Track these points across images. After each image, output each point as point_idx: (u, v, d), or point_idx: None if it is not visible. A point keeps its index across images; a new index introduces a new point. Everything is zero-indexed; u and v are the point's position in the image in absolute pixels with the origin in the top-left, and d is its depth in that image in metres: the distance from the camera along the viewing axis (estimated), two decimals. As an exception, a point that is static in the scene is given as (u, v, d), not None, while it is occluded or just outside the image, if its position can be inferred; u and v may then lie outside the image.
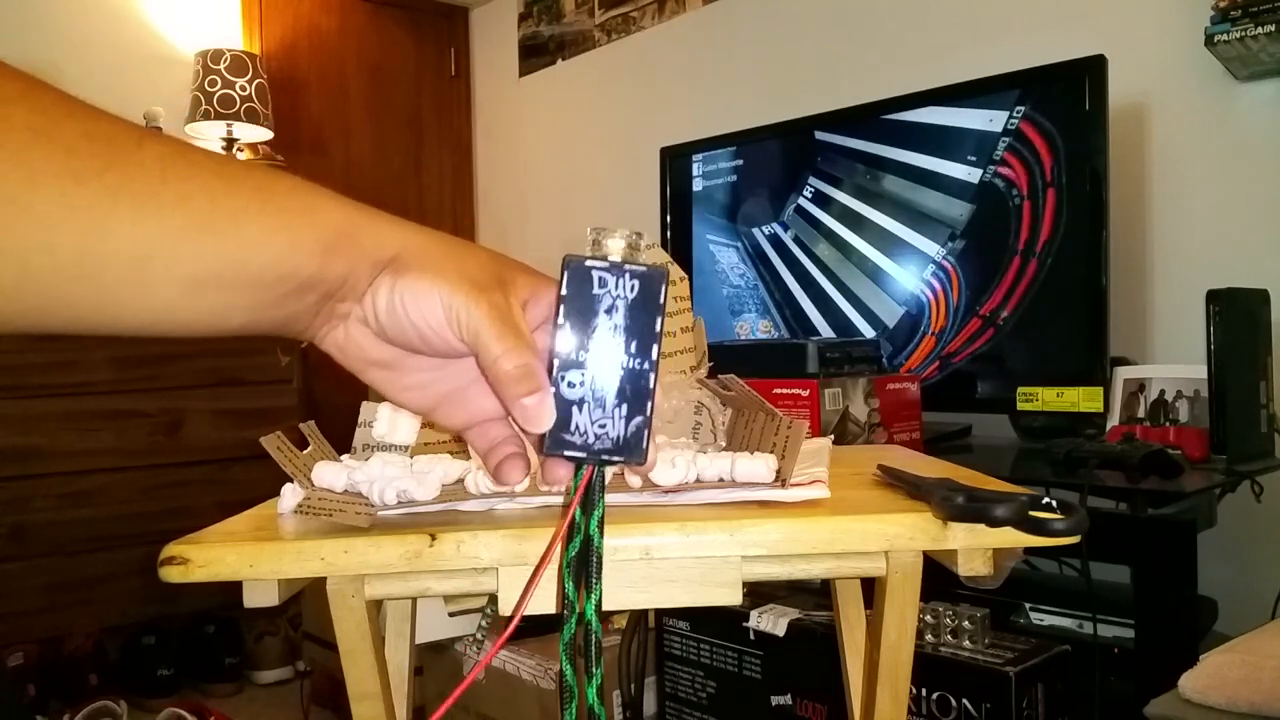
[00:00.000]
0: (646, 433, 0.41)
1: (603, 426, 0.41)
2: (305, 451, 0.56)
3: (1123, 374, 1.49)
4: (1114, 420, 1.47)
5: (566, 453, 0.41)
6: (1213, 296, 1.27)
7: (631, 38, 2.72)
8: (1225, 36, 1.40)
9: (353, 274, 0.41)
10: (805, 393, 1.26)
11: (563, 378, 0.41)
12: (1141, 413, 1.46)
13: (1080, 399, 1.43)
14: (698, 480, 0.52)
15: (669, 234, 2.08)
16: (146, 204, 0.36)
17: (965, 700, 1.06)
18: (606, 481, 0.42)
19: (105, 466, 2.20)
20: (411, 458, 0.57)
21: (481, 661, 0.43)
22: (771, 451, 0.54)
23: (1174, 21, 1.64)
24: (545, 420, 0.40)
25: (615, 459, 0.41)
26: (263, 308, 0.40)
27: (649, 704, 1.50)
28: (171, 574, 0.45)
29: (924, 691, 1.09)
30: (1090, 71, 1.46)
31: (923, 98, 1.68)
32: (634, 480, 0.51)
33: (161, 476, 2.26)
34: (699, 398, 0.69)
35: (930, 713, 1.08)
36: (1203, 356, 1.28)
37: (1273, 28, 1.35)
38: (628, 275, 0.41)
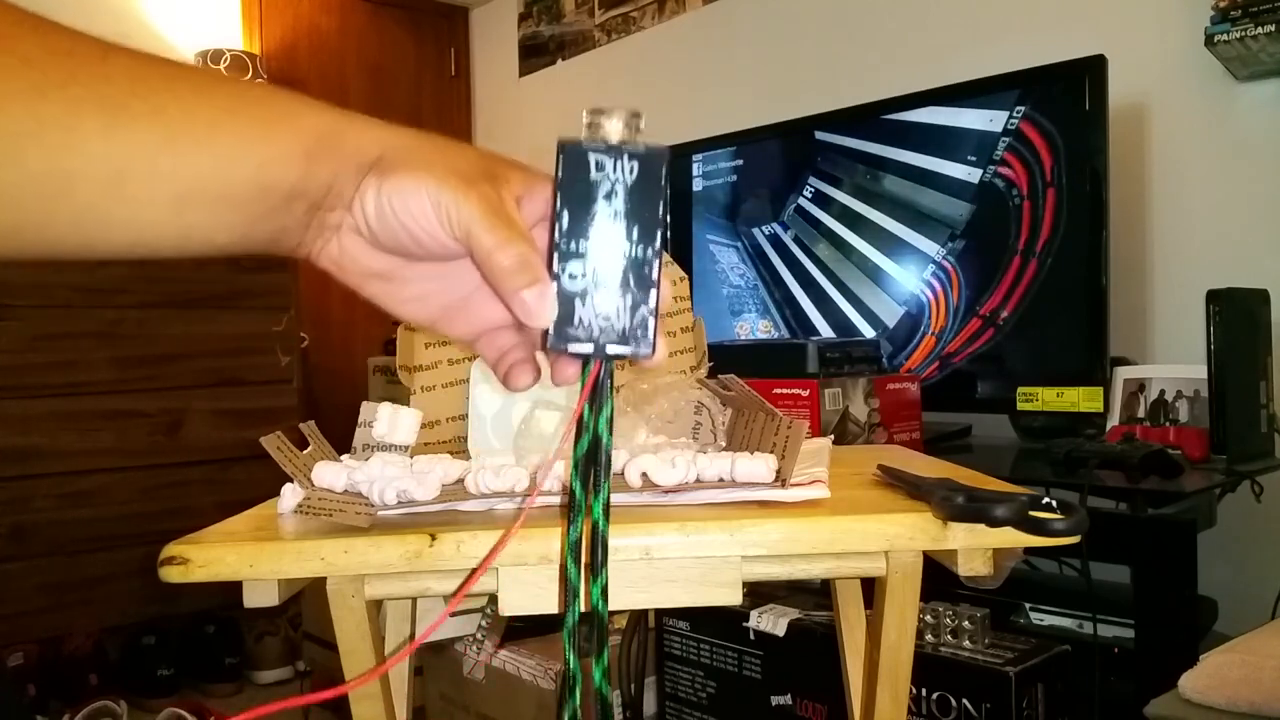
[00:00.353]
0: (653, 321, 0.39)
1: (607, 318, 0.39)
2: (305, 451, 0.56)
3: (1123, 374, 1.49)
4: (1114, 420, 1.47)
5: (571, 346, 0.39)
6: (1213, 296, 1.27)
7: (631, 38, 2.72)
8: (1225, 36, 1.40)
9: (338, 180, 0.40)
10: (805, 393, 1.26)
11: (563, 269, 0.39)
12: (1141, 413, 1.46)
13: (1080, 399, 1.43)
14: (698, 480, 0.52)
15: (669, 234, 2.08)
16: (116, 117, 0.35)
17: (965, 700, 1.06)
18: (614, 377, 0.41)
19: (105, 466, 2.19)
20: (411, 458, 0.57)
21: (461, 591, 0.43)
22: (771, 451, 0.54)
23: (1174, 21, 1.64)
24: (547, 314, 0.39)
25: (623, 351, 0.39)
26: (249, 222, 0.39)
27: (649, 704, 1.50)
28: (171, 574, 0.45)
29: (924, 691, 1.09)
30: (1090, 71, 1.46)
31: (923, 98, 1.68)
32: (634, 479, 0.51)
33: (161, 476, 2.26)
34: (699, 398, 0.69)
35: (930, 713, 1.08)
36: (1203, 356, 1.28)
37: (1273, 28, 1.35)
38: (627, 157, 0.39)
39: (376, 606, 0.51)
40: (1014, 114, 1.56)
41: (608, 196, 0.39)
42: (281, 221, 0.40)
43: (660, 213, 0.40)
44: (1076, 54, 1.49)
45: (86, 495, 2.17)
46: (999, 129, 1.58)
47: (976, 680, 1.05)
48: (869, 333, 1.76)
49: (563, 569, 0.39)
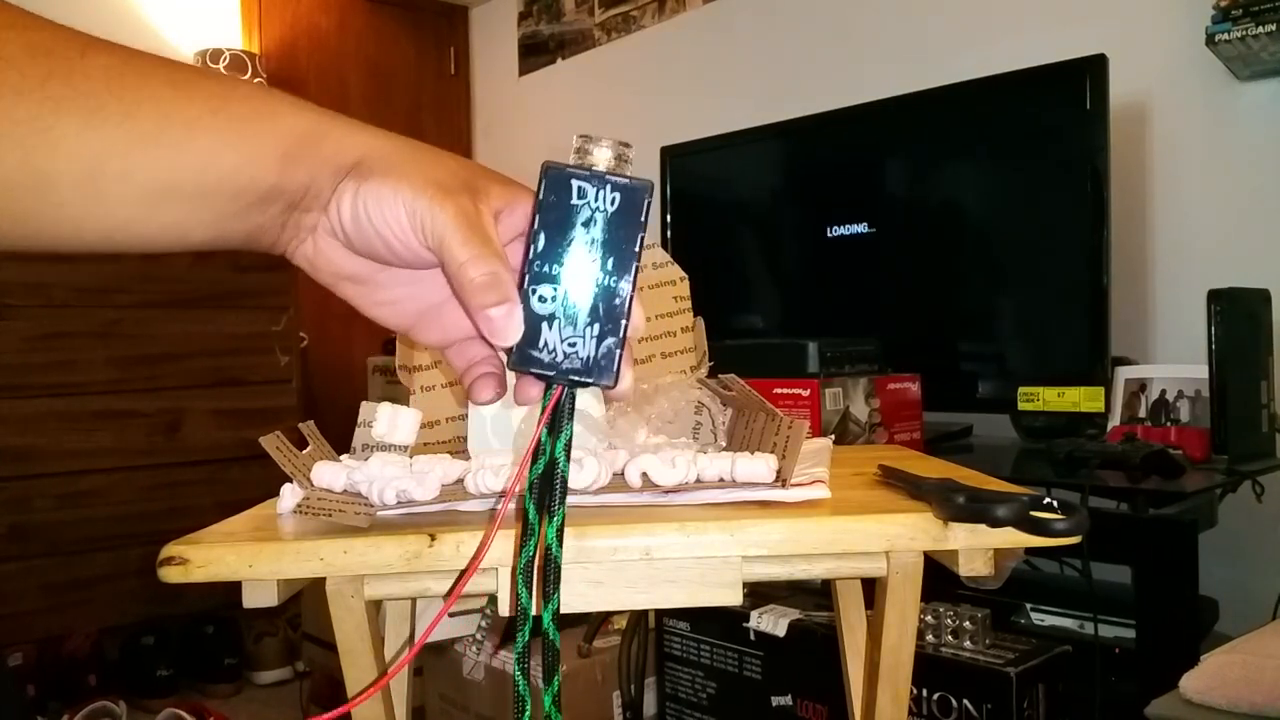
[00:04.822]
0: (619, 354, 0.39)
1: (573, 345, 0.39)
2: (304, 451, 0.56)
3: (1124, 374, 1.49)
4: (1115, 420, 1.47)
5: (533, 369, 0.39)
6: (1214, 296, 1.27)
7: (631, 37, 2.71)
8: (1226, 36, 1.40)
9: (315, 182, 0.40)
10: (806, 393, 1.26)
11: (533, 291, 0.39)
12: (1142, 413, 1.46)
13: (1081, 399, 1.43)
14: (698, 480, 0.52)
15: (669, 234, 2.08)
16: (93, 115, 0.35)
17: (966, 701, 1.06)
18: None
19: (105, 466, 2.19)
20: (411, 458, 0.57)
21: (452, 598, 0.43)
22: (772, 451, 0.54)
23: (1175, 21, 1.64)
24: (512, 333, 0.39)
25: (584, 380, 0.39)
26: (224, 220, 0.39)
27: (649, 704, 1.50)
28: (171, 574, 0.45)
29: (925, 692, 1.09)
30: (1091, 71, 1.46)
31: (923, 97, 1.68)
32: (634, 479, 0.51)
33: (161, 476, 2.26)
34: (699, 398, 0.69)
35: (931, 713, 1.08)
36: (1204, 356, 1.28)
37: (1274, 27, 1.35)
38: (609, 187, 0.39)
39: (376, 607, 0.51)
40: (1015, 113, 1.56)
41: (586, 224, 0.39)
42: (257, 220, 0.40)
43: (638, 246, 0.40)
44: (1077, 53, 1.48)
45: (86, 495, 2.17)
46: (1000, 128, 1.58)
47: (977, 681, 1.05)
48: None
49: (513, 592, 0.39)
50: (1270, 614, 1.32)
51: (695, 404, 0.69)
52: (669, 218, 2.09)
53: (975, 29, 1.93)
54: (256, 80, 2.59)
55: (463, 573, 0.41)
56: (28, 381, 2.10)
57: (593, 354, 0.39)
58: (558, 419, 0.40)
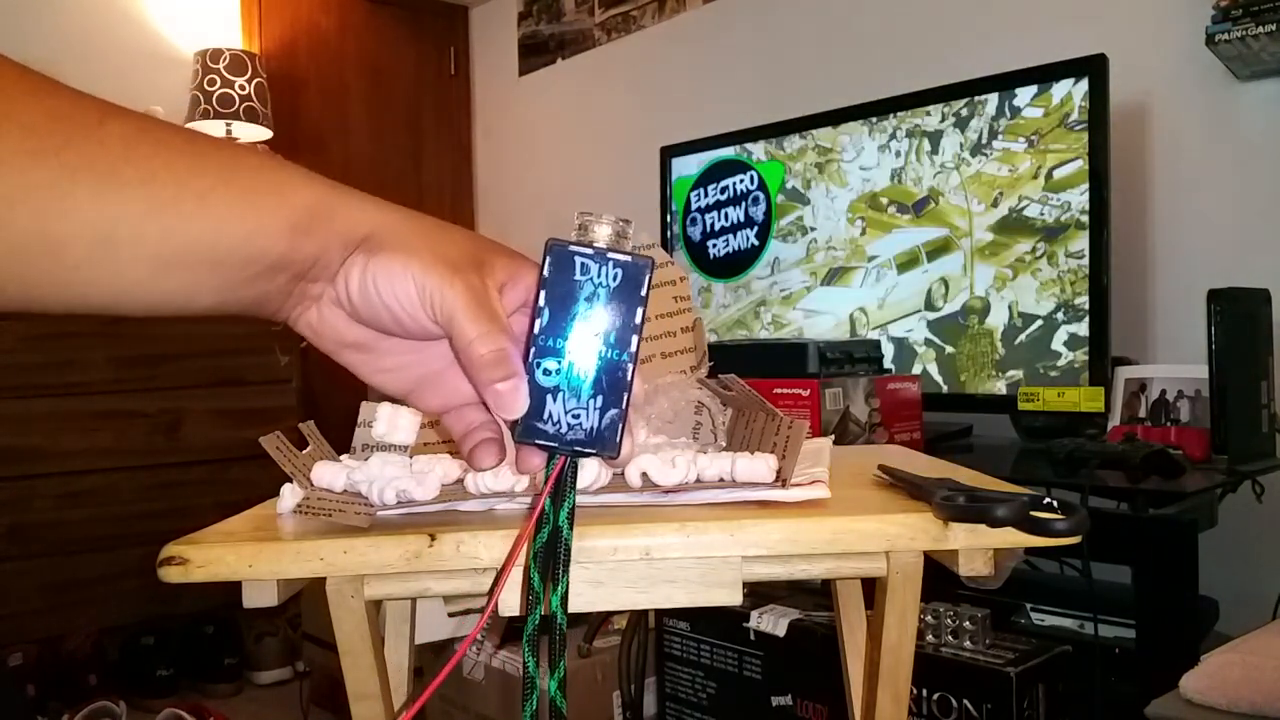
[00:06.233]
0: (621, 425, 0.41)
1: (576, 417, 0.40)
2: (304, 451, 0.56)
3: (1124, 374, 1.49)
4: (1115, 420, 1.47)
5: (538, 441, 0.40)
6: (1214, 296, 1.27)
7: (631, 37, 2.71)
8: (1226, 36, 1.40)
9: (324, 254, 0.40)
10: (806, 393, 1.26)
11: (538, 364, 0.40)
12: (1142, 413, 1.46)
13: (1081, 399, 1.43)
14: (698, 480, 0.52)
15: (669, 233, 2.08)
16: (108, 183, 0.36)
17: (966, 701, 1.06)
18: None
19: (105, 466, 2.19)
20: (411, 458, 0.57)
21: (461, 647, 0.43)
22: (772, 451, 0.54)
23: (1175, 21, 1.64)
24: (518, 407, 0.40)
25: (588, 450, 0.41)
26: (232, 288, 0.40)
27: (649, 704, 1.50)
28: (171, 574, 0.45)
29: (925, 692, 1.09)
30: (1091, 71, 1.46)
31: (923, 97, 1.68)
32: (634, 479, 0.51)
33: (161, 476, 2.26)
34: (699, 398, 0.69)
35: (931, 713, 1.08)
36: (1204, 356, 1.28)
37: (1274, 27, 1.35)
38: (611, 264, 0.40)
39: (376, 607, 0.51)
40: (1015, 114, 1.56)
41: (589, 299, 0.40)
42: (263, 288, 0.41)
43: (639, 319, 0.41)
44: (1077, 53, 1.48)
45: (86, 495, 2.17)
46: (1000, 128, 1.58)
47: (977, 681, 1.05)
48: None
49: (523, 664, 0.40)
50: (1270, 614, 1.32)
51: (695, 404, 0.69)
52: (668, 217, 2.09)
53: (975, 29, 1.93)
54: (258, 78, 2.59)
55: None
56: (28, 381, 2.11)
57: (596, 425, 0.41)
58: (561, 488, 0.41)
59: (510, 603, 0.46)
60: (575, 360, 0.40)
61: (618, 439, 0.41)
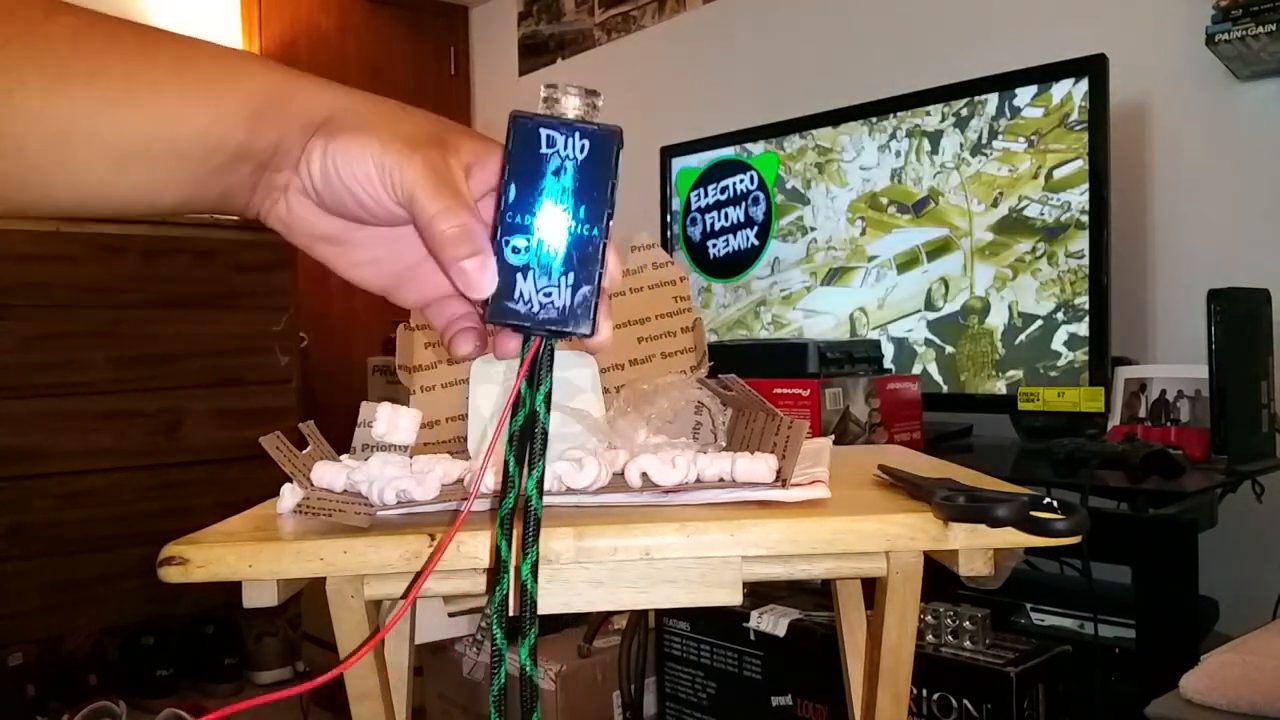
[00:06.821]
0: (594, 303, 0.39)
1: (548, 295, 0.39)
2: (304, 451, 0.56)
3: (1124, 374, 1.49)
4: (1115, 420, 1.47)
5: (510, 321, 0.39)
6: (1214, 296, 1.27)
7: (631, 37, 2.71)
8: (1226, 36, 1.40)
9: (284, 141, 0.39)
10: (806, 393, 1.26)
11: (506, 242, 0.39)
12: (1142, 413, 1.46)
13: (1081, 399, 1.43)
14: (698, 480, 0.52)
15: (669, 234, 2.08)
16: (58, 78, 0.35)
17: (966, 701, 1.06)
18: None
19: (105, 466, 2.19)
20: (411, 458, 0.57)
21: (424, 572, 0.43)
22: (772, 451, 0.54)
23: (1175, 21, 1.64)
24: (486, 285, 0.39)
25: (561, 329, 0.39)
26: (195, 182, 0.39)
27: (649, 704, 1.50)
28: (171, 574, 0.45)
29: (925, 692, 1.09)
30: (1091, 71, 1.46)
31: (923, 97, 1.68)
32: (634, 479, 0.51)
33: (161, 476, 2.26)
34: (699, 398, 0.69)
35: (931, 713, 1.08)
36: (1204, 356, 1.28)
37: (1274, 27, 1.35)
38: (578, 134, 0.39)
39: (376, 607, 0.51)
40: (1015, 114, 1.56)
41: (556, 173, 0.39)
42: (227, 181, 0.40)
43: (609, 192, 0.40)
44: (1077, 53, 1.48)
45: (86, 495, 2.17)
46: (1000, 128, 1.58)
47: (977, 681, 1.05)
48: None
49: (493, 545, 0.39)
50: (1270, 614, 1.32)
51: (695, 404, 0.69)
52: (668, 217, 2.09)
53: (975, 29, 1.93)
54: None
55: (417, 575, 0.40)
56: (28, 381, 2.11)
57: (569, 303, 0.39)
58: (536, 370, 0.39)
59: (489, 483, 0.46)
60: (545, 237, 0.39)
61: (591, 316, 0.39)
